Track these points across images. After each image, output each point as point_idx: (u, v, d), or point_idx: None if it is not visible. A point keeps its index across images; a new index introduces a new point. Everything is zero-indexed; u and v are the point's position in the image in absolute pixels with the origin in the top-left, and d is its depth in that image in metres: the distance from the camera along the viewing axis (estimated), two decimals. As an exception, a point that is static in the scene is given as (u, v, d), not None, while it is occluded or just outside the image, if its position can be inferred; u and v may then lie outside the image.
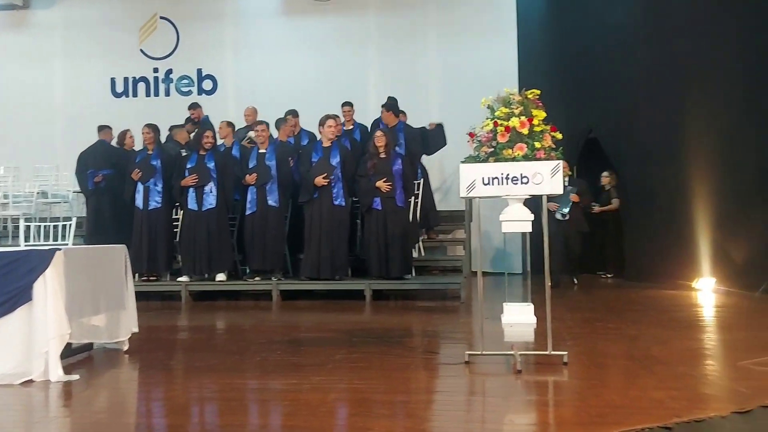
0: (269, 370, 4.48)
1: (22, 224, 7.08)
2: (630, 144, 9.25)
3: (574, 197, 8.40)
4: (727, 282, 7.79)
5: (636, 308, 6.87)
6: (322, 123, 7.90)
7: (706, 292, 7.76)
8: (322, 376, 4.22)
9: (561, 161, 4.74)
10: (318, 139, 8.15)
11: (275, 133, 8.75)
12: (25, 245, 6.45)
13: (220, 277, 8.03)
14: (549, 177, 4.58)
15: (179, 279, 8.10)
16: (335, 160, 7.78)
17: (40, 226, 6.94)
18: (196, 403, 3.87)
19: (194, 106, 9.62)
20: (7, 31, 11.59)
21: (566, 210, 8.24)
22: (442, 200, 10.24)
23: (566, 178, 8.05)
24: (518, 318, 5.68)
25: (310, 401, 3.68)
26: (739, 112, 7.72)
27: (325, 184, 7.66)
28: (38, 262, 4.26)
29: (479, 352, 4.52)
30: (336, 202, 7.73)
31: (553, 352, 4.44)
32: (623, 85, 9.23)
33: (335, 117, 8.08)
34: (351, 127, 9.12)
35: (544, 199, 4.71)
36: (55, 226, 6.91)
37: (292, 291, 7.89)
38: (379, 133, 7.91)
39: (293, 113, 9.10)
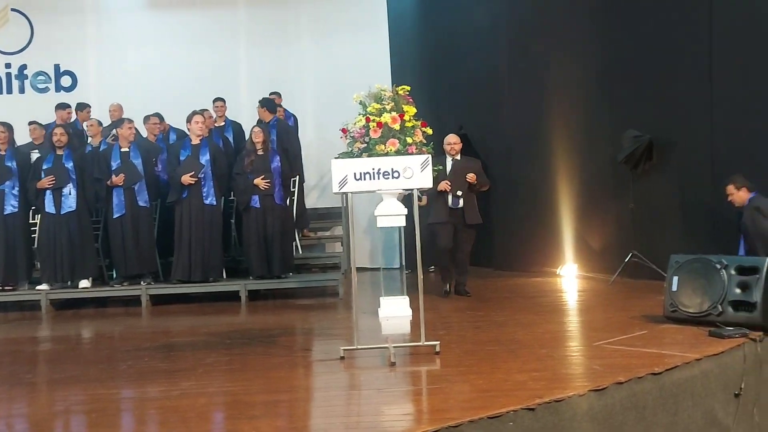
0: (136, 378, 4.30)
1: None
2: (497, 139, 9.61)
3: (471, 177, 6.89)
4: (587, 268, 8.28)
5: (504, 296, 7.17)
6: (189, 120, 7.66)
7: (569, 278, 8.21)
8: (192, 381, 4.10)
9: (430, 155, 4.84)
10: (187, 136, 7.88)
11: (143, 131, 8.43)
12: None
13: (84, 283, 7.58)
14: (419, 171, 4.67)
15: (39, 287, 7.58)
16: (204, 158, 7.56)
17: None
18: (58, 417, 3.65)
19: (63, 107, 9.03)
20: None
21: (460, 193, 6.85)
22: (320, 197, 10.23)
23: (457, 156, 7.09)
24: (394, 311, 5.76)
25: (178, 408, 3.56)
26: (592, 108, 8.22)
27: (193, 182, 7.43)
28: None
29: (354, 347, 4.55)
30: (207, 202, 7.51)
31: (426, 343, 4.55)
32: (489, 83, 9.58)
33: (202, 113, 7.85)
34: (222, 123, 8.90)
35: (415, 193, 4.80)
36: None
37: (163, 295, 7.59)
38: (256, 129, 7.77)
39: (157, 116, 8.76)
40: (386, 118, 6.53)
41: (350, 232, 4.66)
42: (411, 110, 6.81)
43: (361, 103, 6.61)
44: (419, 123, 6.88)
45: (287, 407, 3.62)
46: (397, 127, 6.57)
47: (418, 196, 7.14)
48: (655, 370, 3.84)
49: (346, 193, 4.75)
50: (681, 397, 3.91)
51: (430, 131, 6.94)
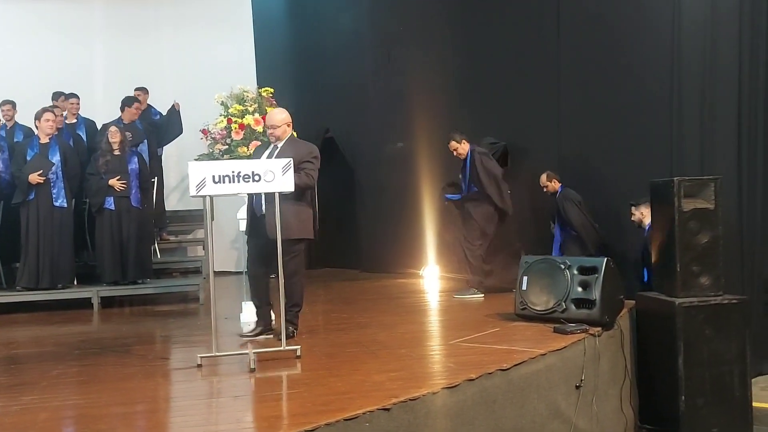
0: (-30, 395, 3.96)
1: None
2: (364, 143, 9.75)
3: None
4: (448, 269, 8.57)
5: (368, 297, 7.27)
6: (38, 117, 7.18)
7: (431, 279, 8.46)
8: (34, 395, 3.83)
9: (291, 159, 4.79)
10: (35, 134, 7.38)
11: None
12: None
13: None
14: (281, 174, 4.60)
15: None
16: (55, 157, 7.12)
17: None
18: None
19: None
20: None
21: None
22: (181, 199, 9.91)
23: (279, 142, 5.21)
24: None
25: (17, 424, 3.32)
26: (452, 114, 8.52)
27: (41, 182, 6.97)
28: None
29: (212, 354, 4.45)
30: (57, 203, 7.07)
31: (287, 348, 4.53)
32: (355, 87, 9.70)
33: (53, 110, 7.39)
34: (75, 121, 8.41)
35: (277, 197, 4.73)
36: None
37: (5, 304, 7.06)
38: (113, 128, 7.43)
39: (10, 103, 8.19)
40: (249, 119, 6.46)
41: (209, 235, 4.54)
42: (274, 112, 6.74)
43: (222, 104, 6.48)
44: (284, 126, 6.80)
45: (140, 419, 3.48)
46: (260, 129, 6.51)
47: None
48: (504, 365, 4.04)
49: (204, 196, 4.61)
50: (527, 391, 4.14)
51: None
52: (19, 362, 4.84)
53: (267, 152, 5.19)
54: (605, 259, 5.20)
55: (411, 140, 8.98)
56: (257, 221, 5.03)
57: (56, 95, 8.50)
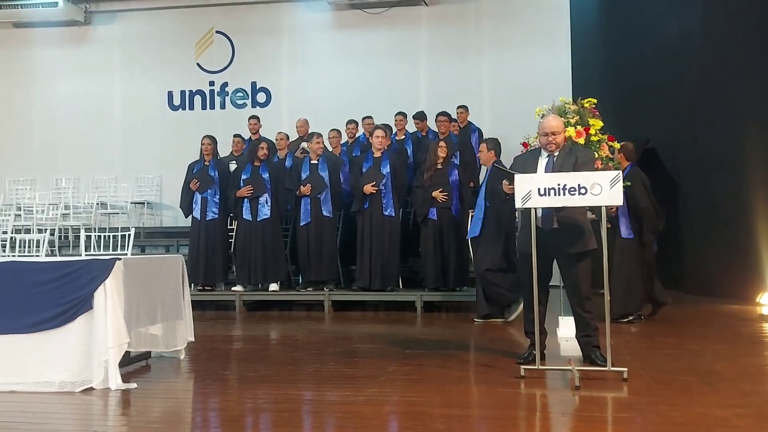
0: (322, 381, 4.48)
1: (82, 234, 7.29)
2: (689, 155, 9.00)
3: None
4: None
5: (697, 322, 6.66)
6: (371, 133, 7.94)
7: (771, 308, 7.46)
8: (375, 388, 4.20)
9: (620, 171, 4.58)
10: (370, 149, 8.17)
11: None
12: (86, 255, 6.63)
13: (273, 287, 8.10)
14: (608, 188, 4.41)
15: (233, 289, 8.20)
16: (385, 170, 7.79)
17: (99, 236, 7.12)
18: (250, 413, 3.88)
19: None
20: (69, 46, 11.99)
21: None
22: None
23: (556, 151, 4.83)
24: (574, 332, 5.53)
25: (363, 413, 3.66)
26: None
27: (374, 192, 7.67)
28: (99, 271, 4.35)
29: (535, 367, 4.43)
30: (386, 213, 7.73)
31: (612, 368, 4.33)
32: (680, 95, 9.01)
33: (383, 127, 8.08)
34: (403, 137, 9.12)
35: (603, 210, 4.55)
36: (114, 236, 7.08)
37: (343, 301, 7.91)
38: (443, 143, 7.81)
39: (354, 122, 9.22)
40: (570, 132, 6.34)
41: (533, 248, 4.50)
42: (597, 124, 6.54)
43: (544, 116, 6.45)
44: (605, 137, 6.59)
45: (469, 423, 3.59)
46: (581, 141, 6.35)
47: (594, 218, 6.73)
48: None
49: (529, 208, 4.60)
50: None
51: (617, 145, 6.60)
52: (359, 356, 5.34)
53: (544, 162, 4.78)
54: None
55: (746, 149, 8.04)
56: (544, 237, 4.56)
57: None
